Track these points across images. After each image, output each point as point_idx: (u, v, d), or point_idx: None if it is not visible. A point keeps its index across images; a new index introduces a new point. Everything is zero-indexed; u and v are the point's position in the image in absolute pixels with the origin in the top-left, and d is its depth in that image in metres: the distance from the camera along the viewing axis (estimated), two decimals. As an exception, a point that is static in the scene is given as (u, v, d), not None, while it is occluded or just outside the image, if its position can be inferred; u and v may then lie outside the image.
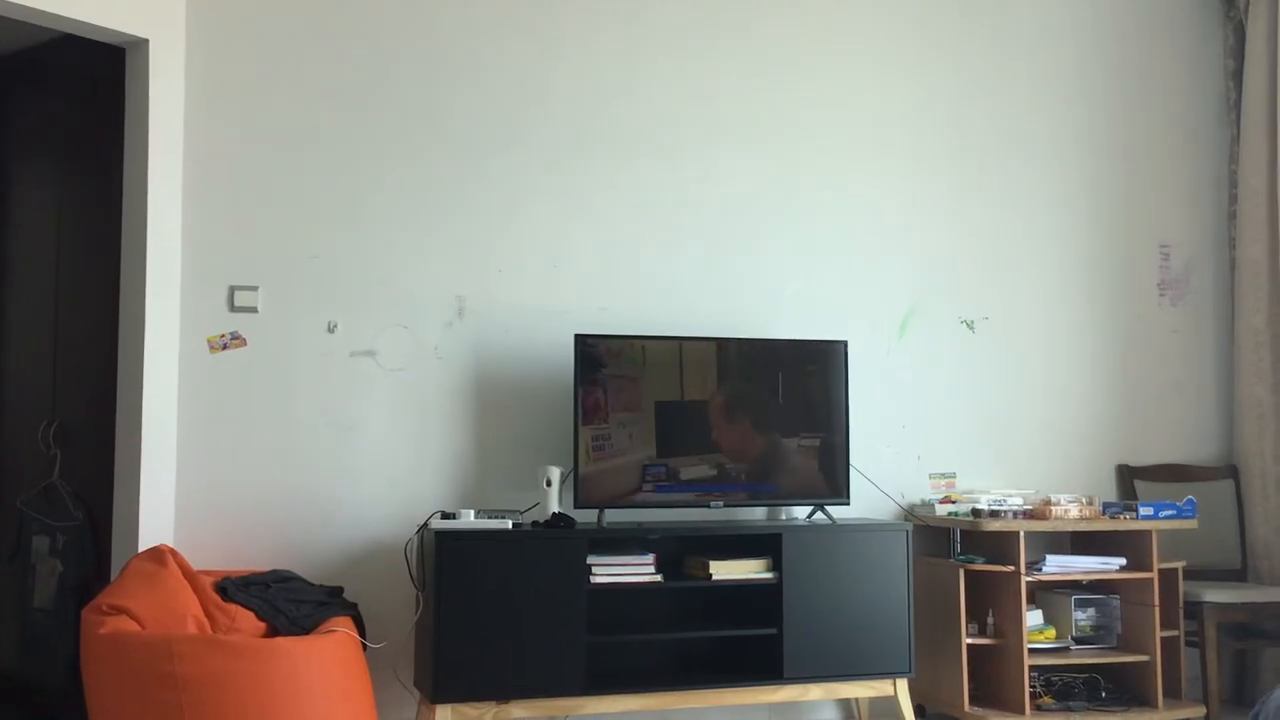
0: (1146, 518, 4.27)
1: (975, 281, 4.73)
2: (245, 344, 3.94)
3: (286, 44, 4.03)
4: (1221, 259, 5.07)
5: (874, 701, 4.28)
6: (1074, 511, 4.27)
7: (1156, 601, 4.23)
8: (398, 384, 4.07)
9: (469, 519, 3.77)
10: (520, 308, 4.20)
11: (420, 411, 4.08)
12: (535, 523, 3.88)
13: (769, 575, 3.93)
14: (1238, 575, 4.75)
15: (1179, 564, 4.35)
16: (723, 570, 3.90)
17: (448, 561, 3.63)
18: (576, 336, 4.00)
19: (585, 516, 3.94)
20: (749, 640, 3.98)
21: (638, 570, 3.85)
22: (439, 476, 4.08)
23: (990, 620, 4.25)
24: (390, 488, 4.03)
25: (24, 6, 3.53)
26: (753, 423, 4.12)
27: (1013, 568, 4.15)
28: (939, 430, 4.62)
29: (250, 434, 3.91)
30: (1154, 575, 4.23)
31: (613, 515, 3.99)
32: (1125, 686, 4.31)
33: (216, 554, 3.81)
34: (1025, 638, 4.12)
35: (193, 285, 3.89)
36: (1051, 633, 4.28)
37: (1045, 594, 4.37)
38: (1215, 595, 4.38)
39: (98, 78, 3.96)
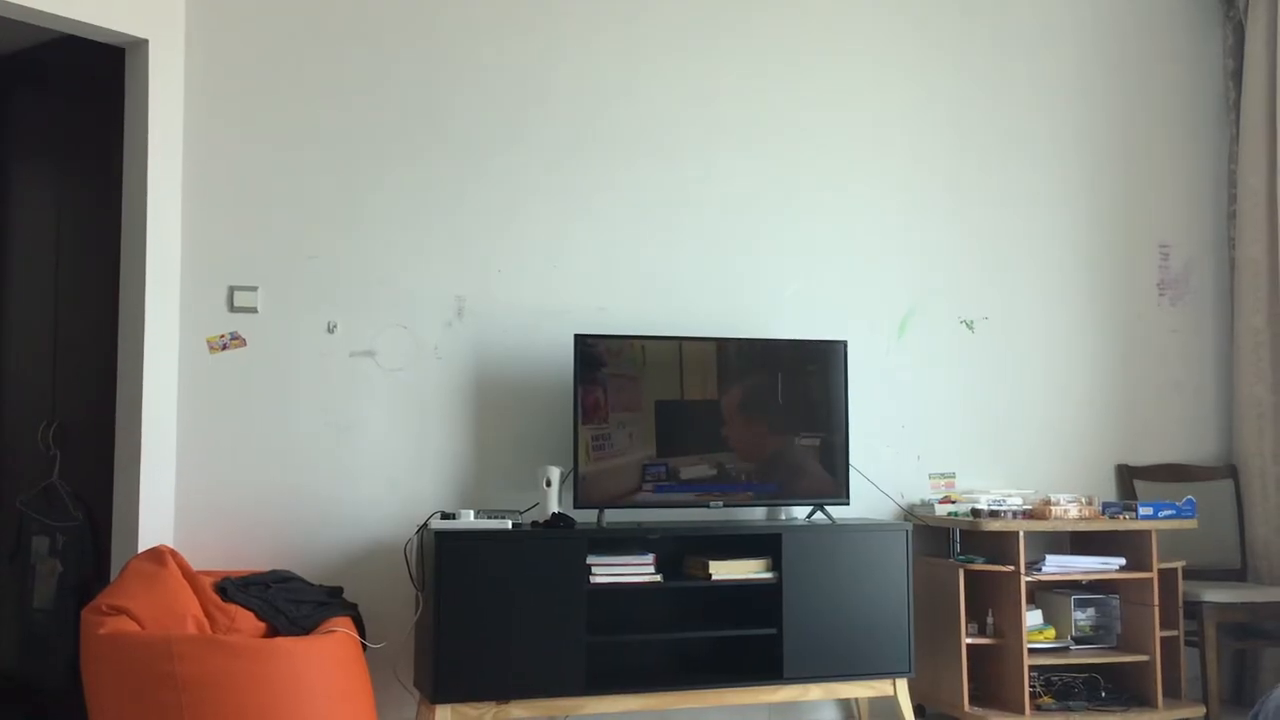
0: (1146, 517, 4.27)
1: (975, 281, 4.73)
2: (245, 344, 3.94)
3: (286, 44, 4.03)
4: (1221, 259, 5.07)
5: (874, 701, 4.28)
6: (1073, 511, 4.27)
7: (1156, 601, 4.23)
8: (397, 384, 4.07)
9: (469, 519, 3.78)
10: (520, 308, 4.20)
11: (420, 412, 4.08)
12: (535, 523, 3.88)
13: (769, 575, 3.93)
14: (1237, 575, 4.75)
15: (1179, 564, 4.36)
16: (722, 570, 3.90)
17: (447, 562, 3.63)
18: (576, 336, 4.00)
19: (585, 517, 3.94)
20: (749, 640, 3.98)
21: (637, 570, 3.85)
22: (439, 476, 4.08)
23: (990, 620, 4.25)
24: (390, 488, 4.03)
25: (24, 7, 3.53)
26: (752, 423, 4.12)
27: (1012, 568, 4.16)
28: (939, 430, 4.62)
29: (250, 434, 3.91)
30: (1154, 575, 4.24)
31: (612, 515, 3.99)
32: (1125, 686, 4.31)
33: (216, 554, 3.81)
34: (1025, 638, 4.13)
35: (192, 285, 3.89)
36: (1051, 633, 4.28)
37: (1045, 594, 4.37)
38: (1215, 595, 4.38)
39: (98, 78, 3.96)
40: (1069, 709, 4.19)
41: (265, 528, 3.89)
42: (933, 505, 4.44)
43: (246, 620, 3.45)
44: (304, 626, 3.49)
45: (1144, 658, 4.23)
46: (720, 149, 4.45)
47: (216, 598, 3.46)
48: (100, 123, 3.96)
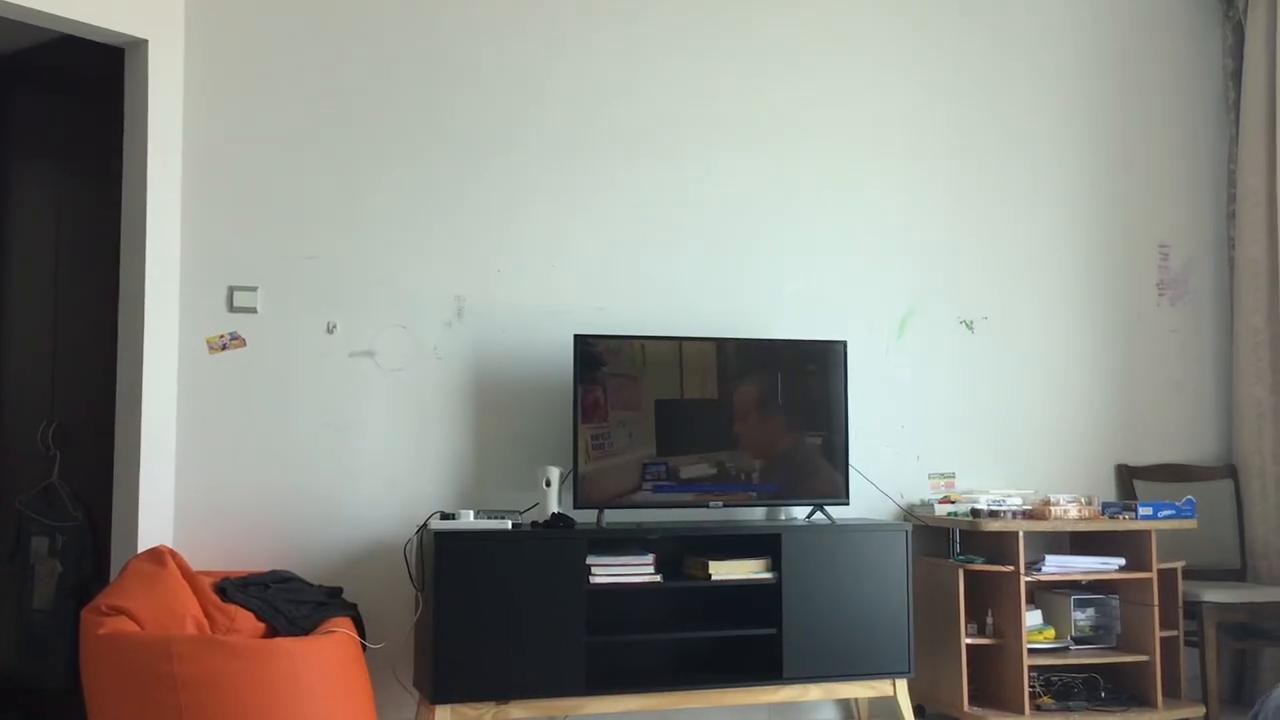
0: (1146, 518, 4.28)
1: (974, 281, 4.73)
2: (244, 344, 3.94)
3: (286, 44, 4.03)
4: (1220, 259, 5.07)
5: (873, 701, 4.28)
6: (1073, 511, 4.27)
7: (1156, 601, 4.23)
8: (397, 384, 4.07)
9: (468, 519, 3.77)
10: (519, 308, 4.20)
11: (419, 412, 4.08)
12: (535, 523, 3.88)
13: (768, 575, 3.93)
14: (1237, 575, 4.75)
15: (1178, 564, 4.36)
16: (722, 570, 3.90)
17: (447, 562, 3.63)
18: (576, 337, 4.00)
19: (585, 517, 3.94)
20: (748, 640, 3.98)
21: (637, 570, 3.85)
22: (438, 477, 4.08)
23: (989, 620, 4.25)
24: (389, 488, 4.03)
25: (24, 7, 3.53)
26: (752, 423, 4.12)
27: (1012, 568, 4.16)
28: (938, 430, 4.62)
29: (249, 434, 3.91)
30: (1153, 575, 4.24)
31: (612, 516, 3.99)
32: (1124, 686, 4.31)
33: (216, 554, 3.80)
34: (1025, 638, 4.13)
35: (192, 286, 3.89)
36: (1051, 633, 4.28)
37: (1044, 594, 4.38)
38: (1214, 595, 4.38)
39: (97, 78, 3.95)
40: (1069, 709, 4.19)
41: (265, 528, 3.89)
42: (932, 505, 4.44)
43: (246, 621, 3.45)
44: (303, 627, 3.49)
45: (1144, 658, 4.23)
46: (720, 149, 4.45)
47: (216, 598, 3.46)
48: (100, 123, 3.96)
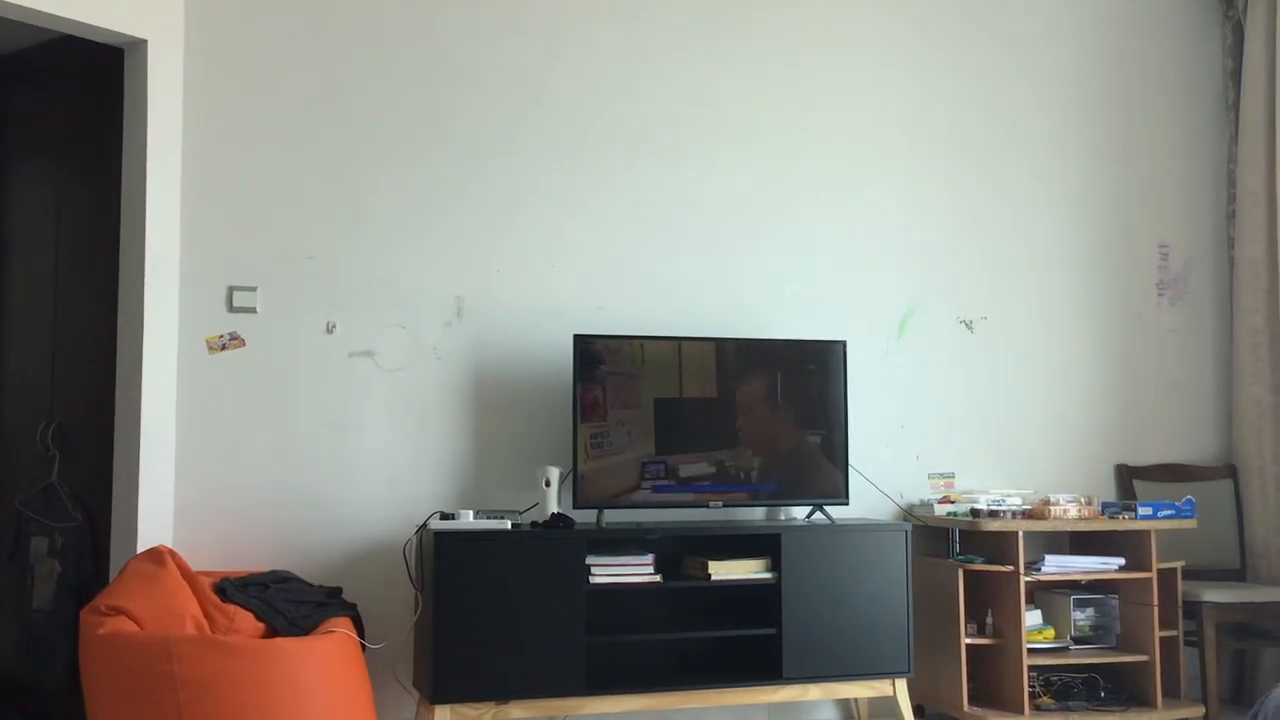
0: (1145, 517, 4.28)
1: (974, 281, 4.73)
2: (244, 344, 3.94)
3: (285, 44, 4.03)
4: (1220, 259, 5.07)
5: (873, 701, 4.28)
6: (1073, 511, 4.27)
7: (1155, 601, 4.23)
8: (396, 384, 4.07)
9: (468, 519, 3.77)
10: (519, 308, 4.20)
11: (419, 412, 4.08)
12: (534, 523, 3.88)
13: (768, 575, 3.93)
14: (1236, 575, 4.75)
15: (1178, 564, 4.36)
16: (722, 570, 3.90)
17: (447, 562, 3.63)
18: (576, 337, 4.00)
19: (584, 517, 3.94)
20: (748, 640, 3.98)
21: (637, 570, 3.85)
22: (438, 477, 4.08)
23: (989, 620, 4.25)
24: (389, 488, 4.03)
25: (23, 7, 3.53)
26: (752, 422, 4.12)
27: (1012, 568, 4.15)
28: (938, 430, 4.62)
29: (249, 434, 3.91)
30: (1153, 575, 4.24)
31: (612, 516, 3.99)
32: (1124, 686, 4.31)
33: (215, 554, 3.80)
34: (1024, 638, 4.13)
35: (191, 286, 3.89)
36: (1050, 633, 4.28)
37: (1044, 594, 4.38)
38: (1214, 595, 4.38)
39: (97, 78, 3.96)
40: (1068, 709, 4.20)
41: (264, 528, 3.89)
42: (932, 505, 4.44)
43: (245, 621, 3.45)
44: (303, 627, 3.49)
45: (1143, 658, 4.23)
46: (720, 149, 4.45)
47: (215, 598, 3.46)
48: (99, 123, 3.96)
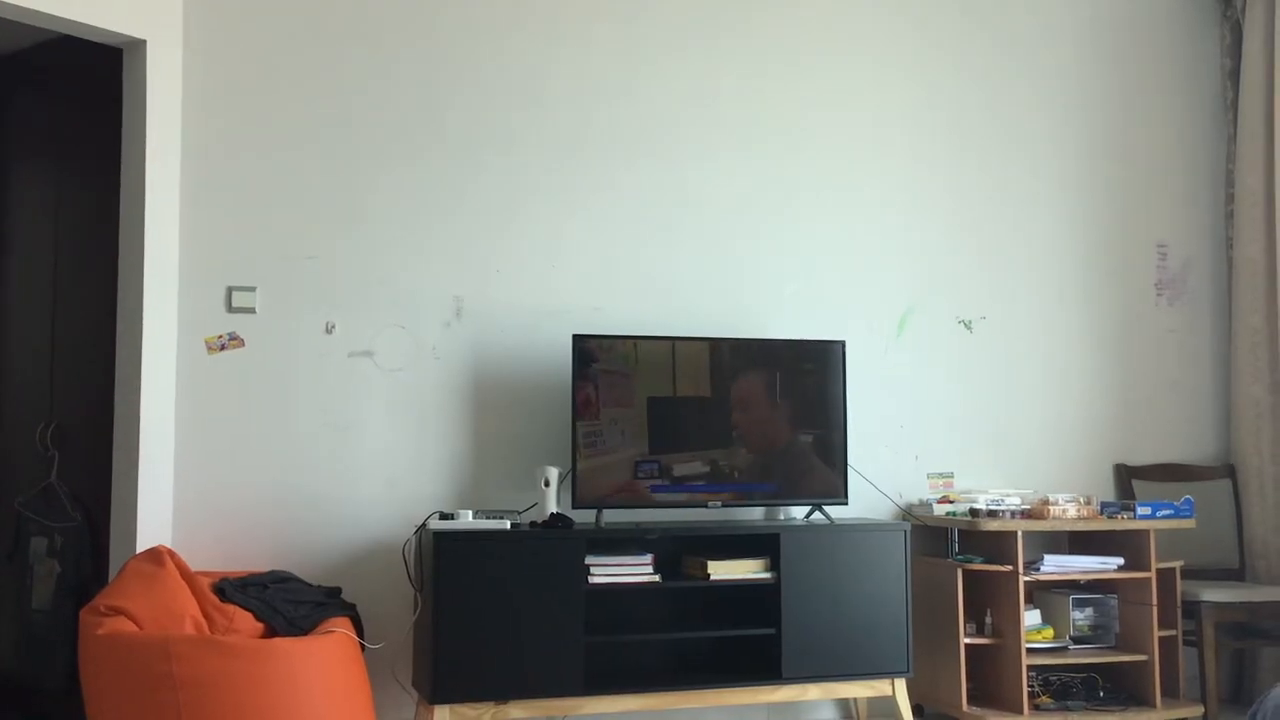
0: (1144, 517, 4.28)
1: (973, 281, 4.73)
2: (243, 345, 3.94)
3: (285, 44, 4.03)
4: (1219, 258, 5.07)
5: (872, 701, 4.28)
6: (1072, 511, 4.27)
7: (1154, 601, 4.23)
8: (396, 384, 4.07)
9: (467, 519, 3.78)
10: (519, 308, 4.20)
11: (418, 412, 4.08)
12: (533, 523, 3.88)
13: (767, 575, 3.93)
14: (1235, 575, 4.75)
15: (1177, 563, 4.36)
16: (721, 570, 3.90)
17: (446, 562, 3.63)
18: (575, 337, 4.00)
19: (583, 517, 3.94)
20: (747, 640, 3.98)
21: (636, 570, 3.85)
22: (437, 477, 4.08)
23: (988, 620, 4.25)
24: (388, 488, 4.03)
25: (23, 7, 3.53)
26: (750, 422, 4.12)
27: (1011, 567, 4.16)
28: (937, 430, 4.62)
29: (248, 435, 3.91)
30: (1152, 575, 4.24)
31: (611, 516, 3.99)
32: (1123, 686, 4.31)
33: (214, 555, 3.81)
34: (1023, 637, 4.13)
35: (190, 286, 3.89)
36: (1049, 632, 4.28)
37: (1043, 594, 4.38)
38: (1213, 594, 4.38)
39: (96, 78, 3.95)
40: (1067, 709, 4.20)
41: (263, 528, 3.89)
42: (931, 505, 4.44)
43: (245, 621, 3.45)
44: (302, 627, 3.49)
45: (1142, 657, 4.24)
46: (720, 149, 4.45)
47: (215, 598, 3.46)
48: (99, 123, 3.96)
